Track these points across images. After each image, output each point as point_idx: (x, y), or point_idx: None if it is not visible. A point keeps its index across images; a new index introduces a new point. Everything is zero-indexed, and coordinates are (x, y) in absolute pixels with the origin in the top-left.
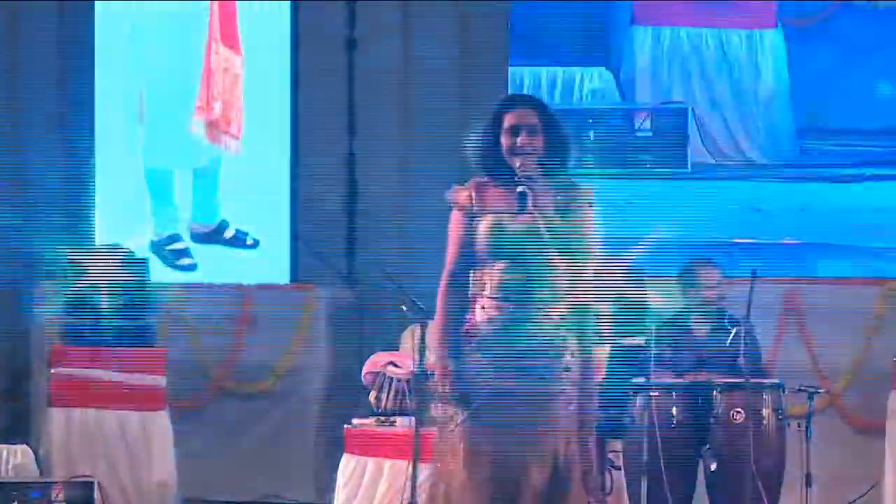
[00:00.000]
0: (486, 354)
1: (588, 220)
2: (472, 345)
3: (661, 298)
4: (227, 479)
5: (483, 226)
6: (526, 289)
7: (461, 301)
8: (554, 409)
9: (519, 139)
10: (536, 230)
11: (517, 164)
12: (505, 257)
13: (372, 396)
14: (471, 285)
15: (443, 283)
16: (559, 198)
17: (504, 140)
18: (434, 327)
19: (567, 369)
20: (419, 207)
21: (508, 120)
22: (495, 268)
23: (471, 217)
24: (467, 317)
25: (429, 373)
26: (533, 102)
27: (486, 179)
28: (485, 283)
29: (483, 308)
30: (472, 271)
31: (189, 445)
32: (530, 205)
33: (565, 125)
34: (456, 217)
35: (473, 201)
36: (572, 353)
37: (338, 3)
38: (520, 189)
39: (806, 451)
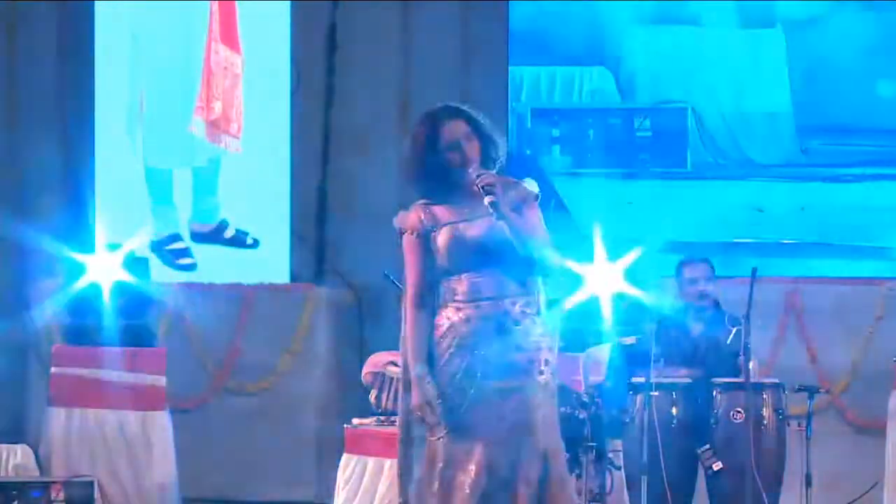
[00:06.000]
0: (467, 353)
1: (537, 213)
2: (452, 347)
3: (659, 298)
4: (227, 479)
5: (441, 239)
6: (498, 287)
7: (430, 319)
8: (540, 402)
9: (465, 149)
10: (497, 230)
11: (474, 177)
12: (471, 263)
13: (372, 396)
14: (443, 295)
15: (408, 304)
16: (510, 194)
17: (451, 157)
18: (405, 348)
19: (547, 362)
20: None
21: (445, 138)
22: (463, 275)
23: (425, 236)
24: (439, 321)
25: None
26: (455, 111)
27: (429, 199)
28: (455, 290)
29: (459, 310)
30: (440, 283)
31: (189, 445)
32: (502, 209)
33: (489, 121)
34: (409, 239)
35: (424, 221)
36: (549, 348)
37: (338, 3)
38: (489, 199)
39: (806, 451)
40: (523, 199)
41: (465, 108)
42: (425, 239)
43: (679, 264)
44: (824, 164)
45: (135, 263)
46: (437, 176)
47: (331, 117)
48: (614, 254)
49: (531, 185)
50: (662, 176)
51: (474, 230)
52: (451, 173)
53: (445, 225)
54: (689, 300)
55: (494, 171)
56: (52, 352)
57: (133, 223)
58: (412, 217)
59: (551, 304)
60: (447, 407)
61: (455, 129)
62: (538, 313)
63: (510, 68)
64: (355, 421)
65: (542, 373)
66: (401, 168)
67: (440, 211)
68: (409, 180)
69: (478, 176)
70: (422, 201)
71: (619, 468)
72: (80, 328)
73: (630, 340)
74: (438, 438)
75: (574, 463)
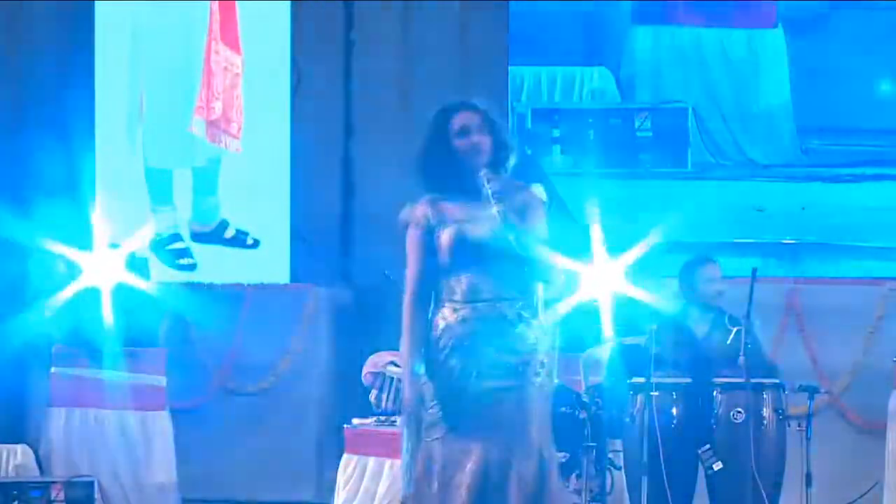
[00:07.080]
0: (463, 354)
1: (542, 219)
2: (448, 347)
3: (660, 298)
4: (227, 479)
5: (445, 237)
6: (497, 289)
7: (427, 317)
8: (535, 403)
9: (475, 139)
10: (500, 233)
11: (484, 181)
12: (472, 263)
13: (372, 396)
14: (441, 293)
15: (407, 300)
16: (517, 199)
17: (460, 144)
18: (403, 345)
19: (543, 365)
20: None
21: (456, 125)
22: (463, 275)
23: (429, 232)
24: (436, 321)
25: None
26: (471, 105)
27: (436, 195)
28: (454, 290)
29: (456, 311)
30: (439, 281)
31: (189, 445)
32: (510, 217)
33: (505, 122)
34: (413, 234)
35: (430, 217)
36: (545, 351)
37: (338, 3)
38: (497, 208)
39: (806, 451)
40: (529, 204)
41: (481, 104)
42: (429, 235)
43: (692, 264)
44: (824, 164)
45: (135, 263)
46: (445, 167)
47: (331, 118)
48: (614, 254)
49: (538, 191)
50: (662, 176)
51: (478, 231)
52: (459, 164)
53: (451, 223)
54: (706, 299)
55: (503, 174)
56: (52, 352)
57: (133, 223)
58: (418, 211)
59: (549, 305)
60: (444, 407)
61: (467, 118)
62: (535, 316)
63: (510, 68)
64: (355, 421)
65: (537, 374)
66: (411, 163)
67: (448, 207)
68: (418, 172)
69: (488, 181)
70: (429, 196)
71: (619, 468)
72: (80, 328)
73: (636, 340)
74: (436, 438)
75: (574, 463)
